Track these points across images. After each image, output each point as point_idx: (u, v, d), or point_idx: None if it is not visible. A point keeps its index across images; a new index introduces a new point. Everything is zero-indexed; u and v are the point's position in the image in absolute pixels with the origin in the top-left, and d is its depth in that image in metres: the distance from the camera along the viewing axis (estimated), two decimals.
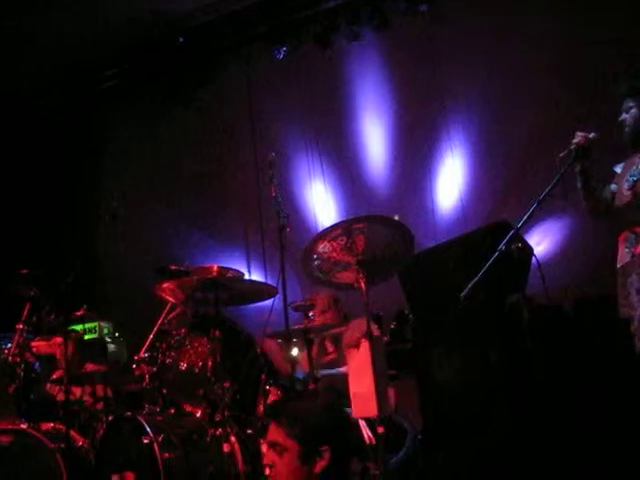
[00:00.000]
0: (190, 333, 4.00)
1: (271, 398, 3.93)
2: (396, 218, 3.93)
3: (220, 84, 7.48)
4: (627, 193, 3.32)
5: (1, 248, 7.21)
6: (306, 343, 4.01)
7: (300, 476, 2.17)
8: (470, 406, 3.94)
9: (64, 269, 3.93)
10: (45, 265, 4.12)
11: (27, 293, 4.09)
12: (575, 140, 3.36)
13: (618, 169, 3.47)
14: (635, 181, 3.30)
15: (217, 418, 3.64)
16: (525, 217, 3.14)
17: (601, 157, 3.47)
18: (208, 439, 3.59)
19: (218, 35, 7.41)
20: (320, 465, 2.17)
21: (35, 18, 6.68)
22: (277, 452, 2.20)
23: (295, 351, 4.34)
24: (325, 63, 6.94)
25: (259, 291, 4.18)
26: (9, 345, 4.00)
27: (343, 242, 3.64)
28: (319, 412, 2.26)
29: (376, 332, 3.71)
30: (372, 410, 3.49)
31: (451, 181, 6.43)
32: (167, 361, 3.90)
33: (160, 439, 3.44)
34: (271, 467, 2.21)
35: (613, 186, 3.45)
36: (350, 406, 3.67)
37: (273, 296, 3.99)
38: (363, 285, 3.61)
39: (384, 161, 6.76)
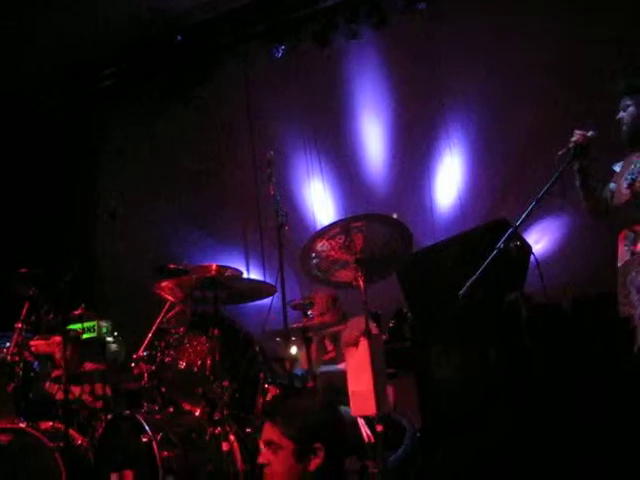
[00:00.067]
0: (189, 332, 4.00)
1: (270, 396, 3.93)
2: (394, 216, 3.93)
3: (218, 82, 7.48)
4: (626, 192, 3.32)
5: (0, 247, 7.20)
6: (305, 341, 4.02)
7: (295, 474, 2.19)
8: (469, 404, 3.94)
9: (63, 268, 3.92)
10: (44, 264, 4.12)
11: (26, 292, 4.09)
12: (573, 138, 3.35)
13: (617, 168, 3.47)
14: (633, 179, 3.30)
15: (216, 417, 3.64)
16: (524, 215, 3.14)
17: (600, 156, 3.46)
18: (207, 438, 3.60)
19: (216, 33, 7.40)
20: (314, 463, 2.19)
21: (34, 17, 6.67)
22: (272, 450, 2.22)
23: (294, 349, 4.34)
24: (324, 61, 6.93)
25: (258, 290, 4.19)
26: (8, 344, 3.99)
27: (341, 240, 3.64)
28: (313, 411, 2.28)
29: (375, 330, 3.71)
30: (371, 408, 3.50)
31: (450, 179, 6.44)
32: (166, 360, 3.91)
33: (159, 438, 3.44)
34: (266, 466, 2.22)
35: (612, 185, 3.44)
36: (348, 404, 3.67)
37: (272, 294, 3.99)
38: (361, 283, 3.61)
39: (383, 159, 6.77)
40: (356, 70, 6.88)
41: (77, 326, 4.58)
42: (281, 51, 7.09)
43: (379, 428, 3.46)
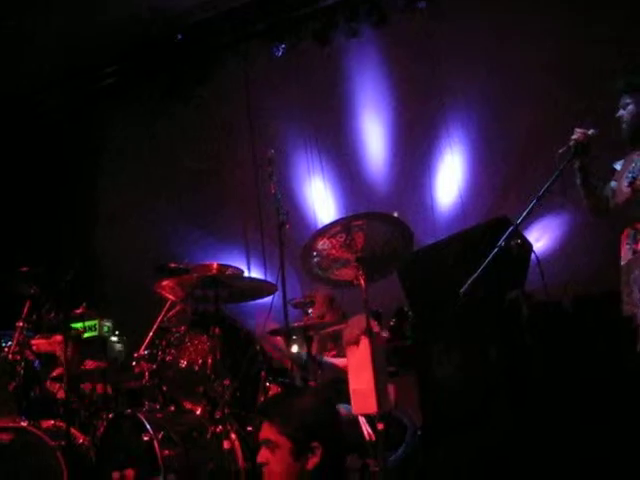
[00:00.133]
0: (190, 330, 4.01)
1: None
2: (395, 215, 3.93)
3: (218, 82, 7.48)
4: (626, 190, 3.32)
5: (1, 246, 7.21)
6: (306, 340, 4.02)
7: (292, 473, 2.20)
8: (470, 402, 3.95)
9: (64, 267, 3.93)
10: (45, 263, 4.12)
11: (27, 291, 4.09)
12: (574, 136, 3.35)
13: (618, 166, 3.47)
14: (634, 177, 3.30)
15: (217, 415, 3.64)
16: (524, 213, 3.14)
17: (600, 154, 3.47)
18: (208, 436, 3.60)
19: (216, 32, 7.40)
20: (312, 461, 2.19)
21: (34, 17, 6.67)
22: (270, 449, 2.23)
23: (295, 348, 4.35)
24: (324, 60, 6.93)
25: (259, 288, 4.19)
26: (9, 343, 4.00)
27: (342, 239, 3.64)
28: (310, 409, 2.28)
29: (376, 329, 3.71)
30: (372, 407, 3.50)
31: (450, 178, 6.44)
32: (167, 358, 3.91)
33: (160, 436, 3.44)
34: (264, 465, 2.23)
35: (613, 183, 3.44)
36: (349, 402, 3.68)
37: (273, 293, 3.99)
38: (362, 282, 3.62)
39: (383, 158, 6.76)
40: (356, 69, 6.88)
41: (78, 325, 4.58)
42: (281, 50, 7.08)
43: (380, 426, 3.47)
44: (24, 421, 3.69)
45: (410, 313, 5.04)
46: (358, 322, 3.68)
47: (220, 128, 7.34)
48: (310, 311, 4.82)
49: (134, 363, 3.99)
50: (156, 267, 4.31)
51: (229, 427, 3.62)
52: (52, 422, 3.80)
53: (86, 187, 7.92)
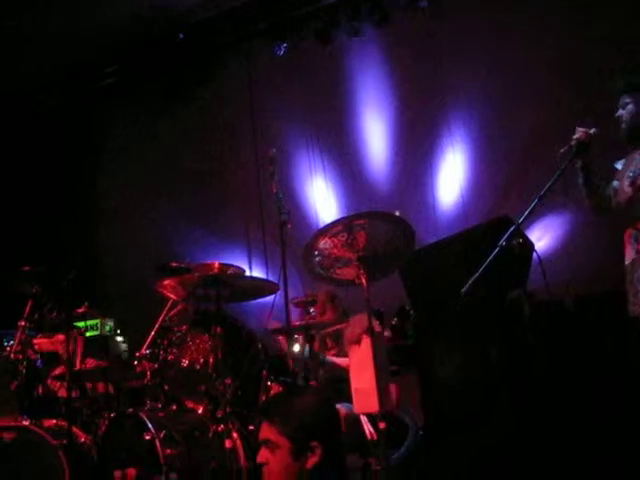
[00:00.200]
0: (191, 330, 4.01)
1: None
2: (397, 214, 3.92)
3: (220, 82, 7.48)
4: (628, 189, 3.32)
5: (2, 245, 7.22)
6: (308, 339, 4.02)
7: (292, 472, 2.20)
8: (471, 402, 3.94)
9: (65, 266, 3.93)
10: (46, 262, 4.12)
11: (29, 290, 4.09)
12: (575, 136, 3.35)
13: (619, 165, 3.47)
14: (635, 177, 3.30)
15: (219, 414, 3.64)
16: (526, 212, 3.13)
17: (603, 153, 3.46)
18: (210, 435, 3.60)
19: (218, 31, 7.40)
20: (312, 461, 2.20)
21: (34, 17, 6.67)
22: (269, 449, 2.23)
23: (297, 347, 4.35)
24: (326, 59, 6.93)
25: (260, 287, 4.19)
26: (11, 342, 4.00)
27: (344, 238, 3.64)
28: (310, 409, 2.29)
29: (377, 328, 3.71)
30: (373, 406, 3.50)
31: (452, 177, 6.43)
32: (169, 358, 3.91)
33: (162, 435, 3.45)
34: (264, 465, 2.24)
35: (615, 183, 3.44)
36: (350, 394, 3.68)
37: (274, 292, 3.99)
38: (364, 281, 3.61)
39: (385, 157, 6.76)
40: (358, 68, 6.88)
41: (80, 324, 4.59)
42: (283, 49, 7.08)
43: (382, 425, 3.47)
44: (26, 420, 3.69)
45: (412, 312, 5.04)
46: (360, 321, 3.68)
47: (222, 129, 7.34)
48: (312, 310, 4.82)
49: (136, 362, 3.99)
50: (157, 266, 4.31)
51: (231, 426, 3.62)
52: (54, 421, 3.80)
53: (87, 186, 7.93)
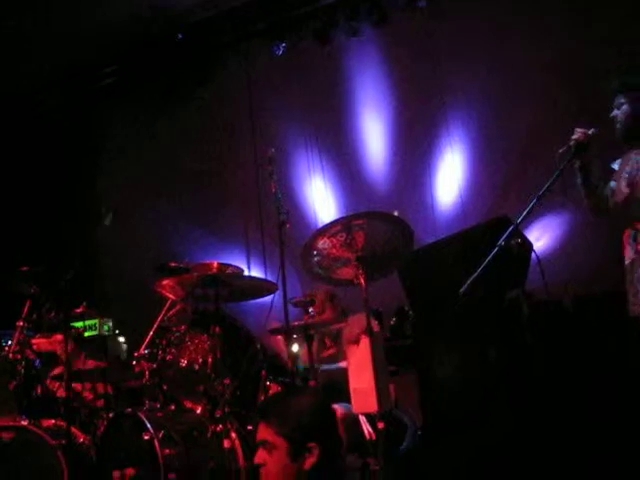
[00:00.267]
0: (190, 330, 4.01)
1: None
2: (395, 214, 3.93)
3: (219, 82, 7.48)
4: (625, 190, 3.32)
5: (1, 245, 7.21)
6: (306, 339, 4.02)
7: (290, 473, 2.21)
8: (470, 402, 3.94)
9: (64, 266, 3.93)
10: (45, 262, 4.12)
11: (27, 290, 4.09)
12: (574, 136, 3.35)
13: (615, 165, 3.47)
14: (632, 177, 3.30)
15: (217, 414, 3.64)
16: (525, 212, 3.13)
17: (600, 154, 3.47)
18: (209, 435, 3.60)
19: (217, 31, 7.40)
20: (309, 462, 2.20)
21: (34, 17, 6.67)
22: (267, 450, 2.23)
23: (295, 347, 4.35)
24: (324, 59, 6.93)
25: (259, 287, 4.19)
26: (9, 342, 4.00)
27: (343, 238, 3.64)
28: (307, 410, 2.28)
29: (376, 328, 3.72)
30: (372, 406, 3.50)
31: (451, 177, 6.44)
32: (167, 358, 3.91)
33: (160, 435, 3.45)
34: (262, 466, 2.24)
35: (612, 183, 3.44)
36: (349, 401, 3.68)
37: (273, 292, 3.99)
38: (363, 281, 3.62)
39: (384, 157, 6.77)
40: (357, 68, 6.88)
41: (79, 324, 4.58)
42: (282, 49, 7.08)
43: (380, 425, 3.47)
44: (25, 420, 3.69)
45: (410, 312, 5.04)
46: (358, 321, 3.68)
47: (221, 128, 7.34)
48: (310, 310, 4.82)
49: (134, 362, 3.99)
50: (156, 266, 4.31)
51: (229, 426, 3.62)
52: (53, 421, 3.80)
53: (86, 186, 7.92)
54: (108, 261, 7.50)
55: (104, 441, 3.66)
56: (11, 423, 3.68)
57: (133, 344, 4.38)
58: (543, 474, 3.51)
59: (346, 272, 3.78)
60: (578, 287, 4.72)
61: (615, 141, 3.44)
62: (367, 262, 3.65)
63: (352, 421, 3.92)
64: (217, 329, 3.76)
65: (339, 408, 3.91)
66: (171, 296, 4.07)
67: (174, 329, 4.04)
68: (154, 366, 3.90)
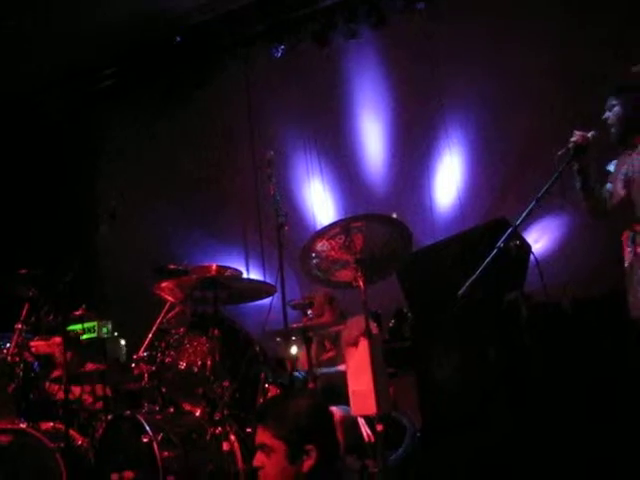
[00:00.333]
0: (189, 332, 4.00)
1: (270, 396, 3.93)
2: (394, 216, 3.93)
3: (218, 84, 7.49)
4: (622, 192, 3.33)
5: (0, 247, 7.20)
6: (305, 341, 4.01)
7: (288, 476, 2.21)
8: (469, 403, 3.95)
9: (63, 268, 3.92)
10: (44, 265, 4.12)
11: (26, 293, 4.09)
12: (573, 139, 3.35)
13: (611, 167, 3.48)
14: (628, 178, 3.31)
15: (216, 417, 3.64)
16: (523, 215, 3.14)
17: (600, 156, 3.47)
18: (207, 438, 3.60)
19: (215, 34, 7.40)
20: (307, 464, 2.21)
21: (34, 18, 6.67)
22: (265, 453, 2.24)
23: (294, 349, 4.35)
24: (323, 61, 6.94)
25: (258, 290, 4.18)
26: (8, 345, 4.00)
27: (341, 240, 3.64)
28: (305, 412, 2.29)
29: (375, 330, 3.71)
30: (371, 408, 3.50)
31: (449, 179, 6.45)
32: (166, 360, 3.91)
33: (159, 438, 3.44)
34: (260, 469, 2.25)
35: (609, 185, 3.45)
36: (348, 404, 3.68)
37: (272, 294, 3.99)
38: (361, 283, 3.61)
39: (382, 159, 6.77)
40: (355, 70, 6.89)
41: (77, 327, 4.58)
42: (280, 51, 7.09)
43: (379, 427, 3.47)
44: (23, 423, 3.69)
45: (409, 314, 5.04)
46: (357, 323, 3.68)
47: (220, 133, 7.36)
48: (309, 312, 4.82)
49: (133, 365, 3.98)
50: (155, 268, 4.31)
51: (228, 428, 3.61)
52: (51, 424, 3.79)
53: (85, 188, 7.93)
54: (107, 263, 7.50)
55: (103, 444, 3.66)
56: (9, 426, 3.67)
57: (132, 346, 4.38)
58: (542, 476, 3.51)
59: (345, 274, 3.77)
60: (576, 289, 4.73)
61: (610, 143, 3.45)
62: (366, 264, 3.65)
63: (351, 423, 3.91)
64: (216, 331, 3.76)
65: (338, 411, 3.91)
66: (170, 298, 4.07)
67: (173, 331, 4.04)
68: (153, 368, 3.89)
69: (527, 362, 3.74)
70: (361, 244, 3.64)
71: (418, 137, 6.58)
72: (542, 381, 3.70)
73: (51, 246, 7.24)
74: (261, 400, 3.91)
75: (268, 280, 5.47)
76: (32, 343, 4.21)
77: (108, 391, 4.31)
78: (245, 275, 5.81)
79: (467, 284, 3.03)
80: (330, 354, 4.92)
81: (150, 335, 4.12)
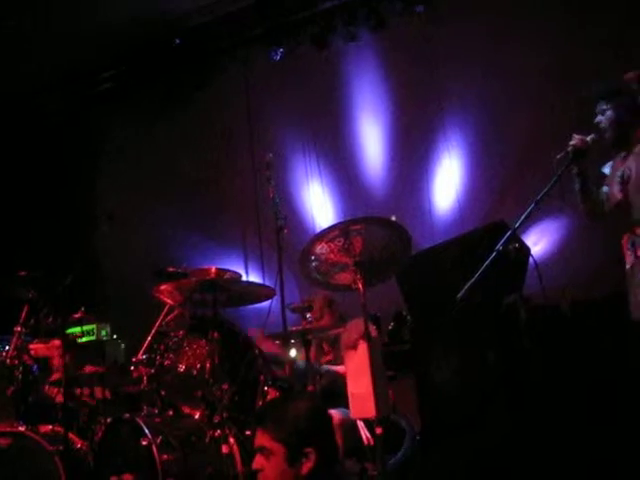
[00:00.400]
0: (188, 335, 4.00)
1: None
2: (393, 219, 3.93)
3: (217, 86, 7.49)
4: (619, 195, 3.34)
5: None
6: (304, 344, 4.01)
7: (287, 478, 2.22)
8: (468, 406, 3.95)
9: (62, 271, 3.92)
10: (43, 267, 4.12)
11: (25, 295, 4.09)
12: (572, 142, 3.35)
13: (606, 169, 3.48)
14: (624, 181, 3.31)
15: (216, 420, 3.64)
16: (522, 217, 3.14)
17: (599, 159, 3.48)
18: (207, 440, 3.60)
19: (214, 37, 7.41)
20: (307, 467, 2.22)
21: (34, 18, 6.68)
22: (264, 456, 2.25)
23: (293, 352, 4.34)
24: (322, 64, 6.95)
25: (257, 292, 4.18)
26: (7, 347, 3.99)
27: (340, 243, 3.64)
28: (304, 415, 2.29)
29: (374, 333, 3.71)
30: (370, 411, 3.50)
31: (448, 182, 6.45)
32: (165, 363, 3.90)
33: (158, 441, 3.44)
34: (259, 471, 2.25)
35: (605, 188, 3.46)
36: (347, 406, 3.68)
37: (271, 297, 3.99)
38: (361, 286, 3.61)
39: (381, 162, 6.78)
40: (354, 73, 6.90)
41: (76, 329, 4.57)
42: (279, 54, 7.10)
43: (379, 430, 3.46)
44: (22, 426, 3.68)
45: (408, 317, 5.04)
46: (356, 326, 3.68)
47: (220, 135, 7.36)
48: (308, 315, 4.82)
49: (132, 367, 3.98)
50: (154, 271, 4.30)
51: (227, 431, 3.61)
52: (50, 427, 3.79)
53: (85, 190, 7.92)
54: (107, 266, 7.50)
55: (102, 447, 3.65)
56: (8, 429, 3.67)
57: (131, 349, 4.38)
58: (542, 478, 3.51)
59: (344, 277, 3.77)
60: (575, 291, 4.74)
61: (605, 146, 3.45)
62: (365, 267, 3.64)
63: (350, 426, 3.91)
64: (215, 334, 3.76)
65: (337, 413, 3.91)
66: (169, 301, 4.07)
67: (172, 334, 4.03)
68: (152, 371, 3.89)
69: (526, 365, 3.75)
70: (360, 247, 3.64)
71: (417, 140, 6.58)
72: (541, 384, 3.70)
73: (50, 248, 7.24)
74: (260, 403, 3.90)
75: (267, 283, 5.47)
76: (31, 346, 4.21)
77: (107, 394, 4.31)
78: (244, 278, 5.80)
79: (466, 287, 3.03)
80: (329, 357, 4.91)
81: (149, 338, 4.12)
